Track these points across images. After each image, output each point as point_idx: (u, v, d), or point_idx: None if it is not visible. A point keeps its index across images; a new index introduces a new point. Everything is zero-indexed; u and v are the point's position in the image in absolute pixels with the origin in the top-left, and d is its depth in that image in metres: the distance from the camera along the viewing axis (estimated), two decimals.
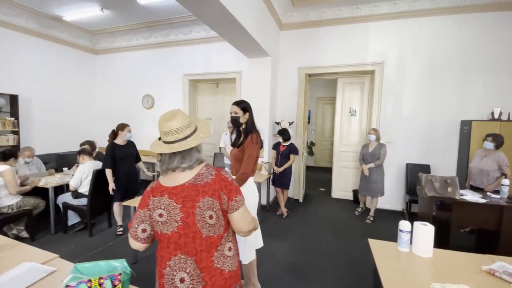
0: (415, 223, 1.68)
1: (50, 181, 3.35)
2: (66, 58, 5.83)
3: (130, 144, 3.30)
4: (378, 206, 4.20)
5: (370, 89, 4.62)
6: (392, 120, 4.32)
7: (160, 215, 1.00)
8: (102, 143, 6.44)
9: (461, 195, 2.72)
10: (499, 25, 3.80)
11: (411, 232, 1.66)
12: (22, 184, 3.13)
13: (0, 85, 4.66)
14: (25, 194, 3.13)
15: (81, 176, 3.17)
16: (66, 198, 3.27)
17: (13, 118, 4.79)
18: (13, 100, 4.82)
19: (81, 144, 3.92)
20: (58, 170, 4.15)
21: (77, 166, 3.52)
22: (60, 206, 3.27)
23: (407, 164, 4.21)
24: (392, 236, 3.16)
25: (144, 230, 1.04)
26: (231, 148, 2.24)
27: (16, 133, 4.84)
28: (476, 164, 3.22)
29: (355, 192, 4.63)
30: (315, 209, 4.34)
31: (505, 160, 3.01)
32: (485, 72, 3.88)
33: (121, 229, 3.31)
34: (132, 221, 1.08)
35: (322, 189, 5.59)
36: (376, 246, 1.72)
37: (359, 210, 4.08)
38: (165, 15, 4.99)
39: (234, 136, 2.19)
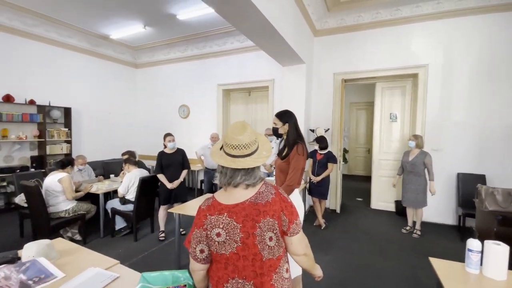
0: (486, 242, 1.51)
1: (100, 187, 3.60)
2: (111, 73, 6.32)
3: (178, 152, 3.44)
4: (426, 219, 3.90)
5: (413, 93, 4.36)
6: (439, 125, 4.02)
7: (218, 235, 0.95)
8: (142, 151, 6.85)
9: None
10: None
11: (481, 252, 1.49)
12: (76, 190, 3.39)
13: (57, 99, 5.17)
14: (79, 199, 3.39)
15: (128, 184, 3.35)
16: (114, 203, 3.47)
17: (66, 129, 5.27)
18: (67, 112, 5.31)
19: (123, 154, 4.15)
20: (105, 177, 4.45)
21: (123, 173, 3.74)
22: (109, 211, 3.49)
23: (458, 174, 3.86)
24: (444, 253, 2.91)
25: (202, 251, 0.98)
26: (275, 158, 2.21)
27: (69, 142, 5.30)
28: None
29: (398, 203, 4.35)
30: (354, 221, 4.14)
31: None
32: None
33: (163, 234, 3.43)
34: (188, 238, 1.04)
35: (359, 199, 5.34)
36: (440, 266, 1.56)
37: (407, 228, 3.71)
38: (202, 28, 5.21)
39: (282, 145, 2.16)
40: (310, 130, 4.58)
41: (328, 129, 4.56)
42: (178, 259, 2.71)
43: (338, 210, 4.56)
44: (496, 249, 1.45)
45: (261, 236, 0.95)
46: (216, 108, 5.87)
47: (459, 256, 1.63)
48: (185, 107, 6.26)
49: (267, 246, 0.96)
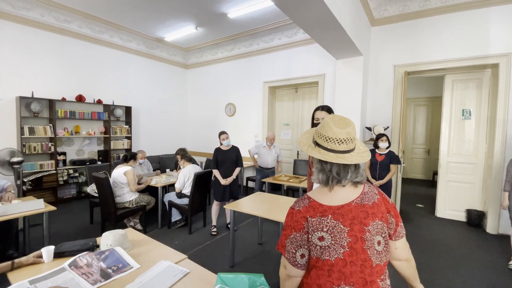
0: None
1: (159, 181, 3.81)
2: (164, 74, 6.71)
3: (232, 150, 3.52)
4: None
5: (492, 87, 3.75)
6: None
7: (321, 239, 0.86)
8: (192, 147, 7.16)
9: None
10: None
11: None
12: (138, 183, 3.64)
13: (119, 99, 5.66)
14: (140, 191, 3.63)
15: (184, 179, 3.50)
16: (171, 197, 3.65)
17: (127, 126, 5.74)
18: (128, 111, 5.77)
19: (176, 153, 4.31)
20: (161, 170, 4.72)
21: (180, 168, 3.91)
22: (166, 203, 3.68)
23: None
24: None
25: (302, 256, 0.91)
26: None
27: (129, 138, 5.76)
28: None
29: (470, 213, 3.80)
30: (416, 230, 3.71)
31: None
32: None
33: (215, 229, 3.50)
34: (282, 242, 0.95)
35: (420, 205, 4.81)
36: None
37: None
38: (250, 26, 5.19)
39: None
40: (367, 128, 4.24)
41: (388, 127, 4.17)
42: (233, 256, 2.71)
43: None
44: None
45: (371, 240, 0.87)
46: (261, 105, 5.84)
47: None
48: (231, 105, 6.35)
49: (376, 251, 0.88)
